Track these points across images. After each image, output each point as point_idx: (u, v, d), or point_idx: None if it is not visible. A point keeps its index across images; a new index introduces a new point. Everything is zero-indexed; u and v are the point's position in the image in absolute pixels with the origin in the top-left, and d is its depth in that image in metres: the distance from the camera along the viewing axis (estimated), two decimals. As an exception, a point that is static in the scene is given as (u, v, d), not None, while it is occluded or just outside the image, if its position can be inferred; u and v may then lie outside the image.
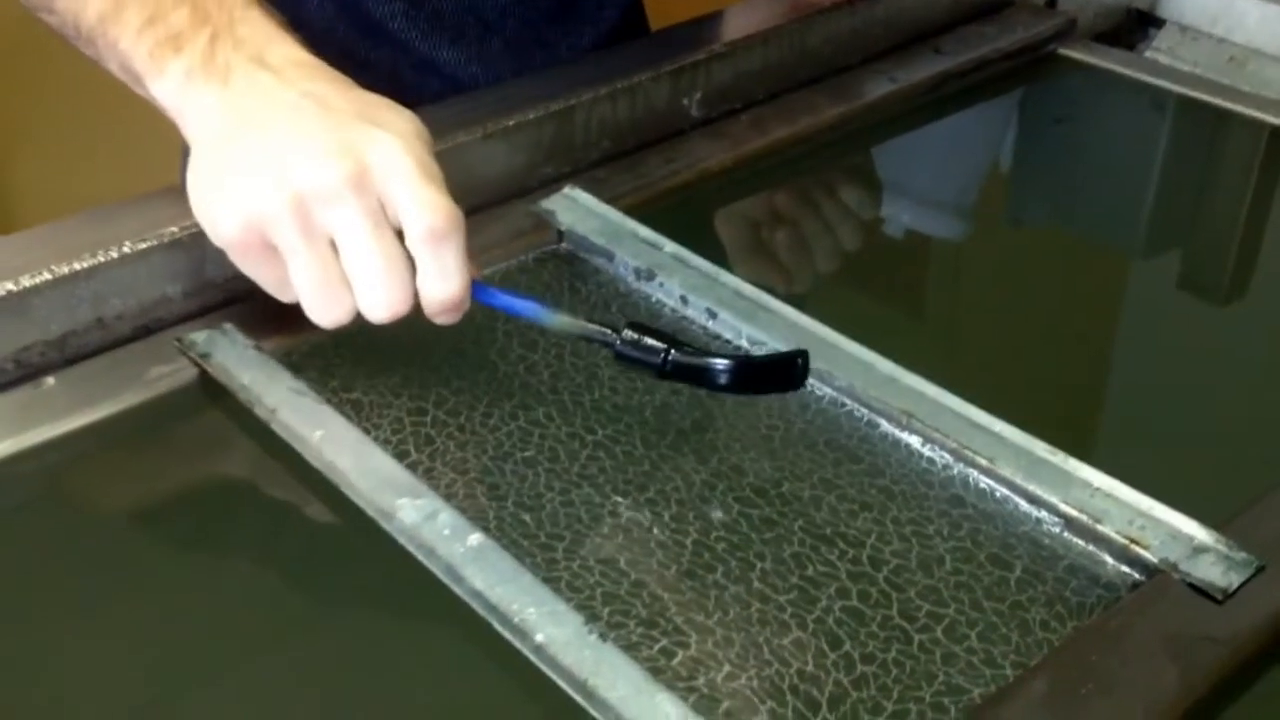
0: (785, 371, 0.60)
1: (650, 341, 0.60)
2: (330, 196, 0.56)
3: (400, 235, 0.58)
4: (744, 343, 0.67)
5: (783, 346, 0.65)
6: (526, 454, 0.60)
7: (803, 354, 0.60)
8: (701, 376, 0.60)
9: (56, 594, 0.55)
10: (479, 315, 0.60)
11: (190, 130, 0.61)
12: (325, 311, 0.58)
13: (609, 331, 0.60)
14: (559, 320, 0.61)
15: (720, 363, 0.59)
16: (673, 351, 0.59)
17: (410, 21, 0.87)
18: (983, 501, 0.58)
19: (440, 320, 0.59)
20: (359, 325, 0.59)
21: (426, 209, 0.57)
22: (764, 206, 0.85)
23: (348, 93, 0.61)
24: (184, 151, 0.62)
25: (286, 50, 0.62)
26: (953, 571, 0.55)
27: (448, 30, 0.87)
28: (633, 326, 0.60)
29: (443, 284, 0.58)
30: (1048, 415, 0.67)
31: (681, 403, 0.63)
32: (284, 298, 0.60)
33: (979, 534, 0.57)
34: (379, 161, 0.57)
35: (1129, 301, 0.82)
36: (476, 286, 0.60)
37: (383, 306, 0.58)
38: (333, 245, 0.57)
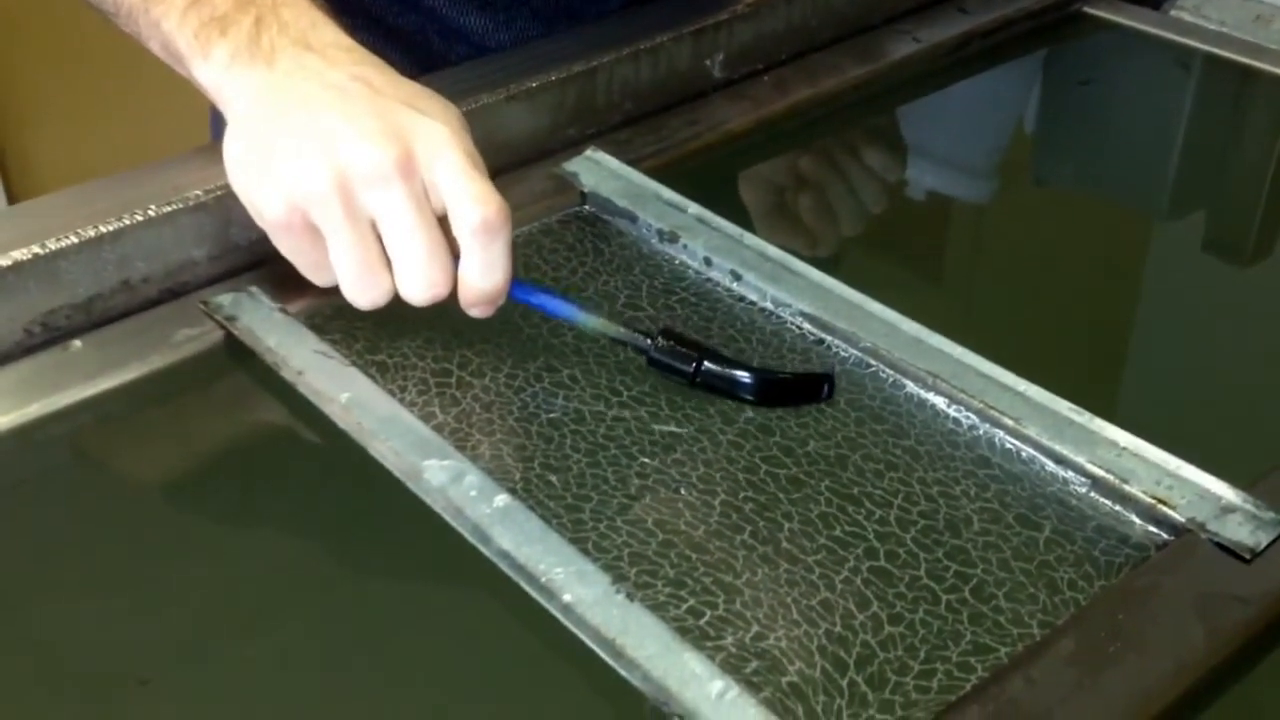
0: (812, 390, 0.61)
1: (683, 350, 0.61)
2: (376, 179, 0.57)
3: (441, 220, 0.58)
4: (769, 304, 0.67)
5: (807, 308, 0.65)
6: (552, 415, 0.60)
7: (829, 376, 0.61)
8: (730, 389, 0.61)
9: (85, 555, 0.56)
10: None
11: (233, 110, 0.61)
12: (363, 292, 0.59)
13: (644, 338, 0.61)
14: (594, 322, 0.62)
15: (748, 376, 0.61)
16: (705, 363, 0.61)
17: None
18: (1009, 462, 0.58)
19: (474, 313, 0.60)
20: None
21: (480, 202, 0.57)
22: (787, 169, 0.85)
23: (394, 79, 0.61)
24: (212, 115, 0.62)
25: (330, 34, 0.62)
26: (980, 532, 0.55)
27: None
28: (666, 334, 0.61)
29: (487, 277, 0.58)
30: (1073, 376, 0.67)
31: (706, 364, 0.63)
32: (319, 281, 0.61)
33: (1006, 495, 0.57)
34: (425, 148, 0.57)
35: (1154, 261, 0.82)
36: (514, 284, 0.60)
37: (423, 289, 0.58)
38: (373, 227, 0.58)
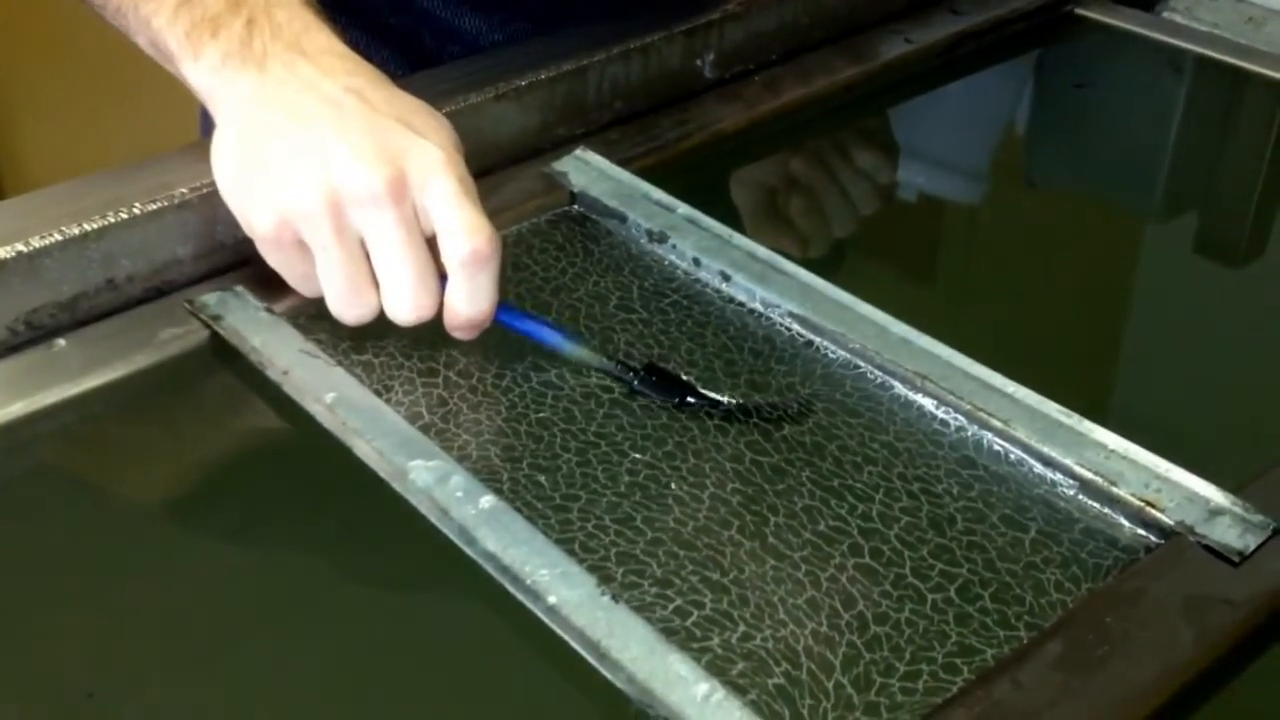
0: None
1: (665, 385, 0.61)
2: (367, 200, 0.56)
3: (430, 241, 0.58)
4: (758, 305, 0.66)
5: (796, 309, 0.65)
6: (541, 414, 0.60)
7: (810, 410, 0.61)
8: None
9: (70, 554, 0.55)
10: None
11: (223, 114, 0.61)
12: (349, 309, 0.59)
13: (627, 371, 0.61)
14: (578, 352, 0.62)
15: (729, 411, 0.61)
16: (688, 398, 0.61)
17: None
18: (995, 463, 0.58)
19: (458, 335, 0.60)
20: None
21: (470, 233, 0.57)
22: (778, 170, 0.85)
23: (387, 92, 0.60)
24: (202, 112, 0.61)
25: (324, 40, 0.61)
26: (964, 531, 0.55)
27: None
28: (650, 369, 0.61)
29: (472, 305, 0.59)
30: (1063, 378, 0.66)
31: (694, 364, 0.63)
32: (306, 292, 0.61)
33: (991, 495, 0.56)
34: (418, 170, 0.57)
35: (1145, 263, 0.82)
36: (501, 308, 0.60)
37: (409, 311, 0.58)
38: (362, 245, 0.58)
